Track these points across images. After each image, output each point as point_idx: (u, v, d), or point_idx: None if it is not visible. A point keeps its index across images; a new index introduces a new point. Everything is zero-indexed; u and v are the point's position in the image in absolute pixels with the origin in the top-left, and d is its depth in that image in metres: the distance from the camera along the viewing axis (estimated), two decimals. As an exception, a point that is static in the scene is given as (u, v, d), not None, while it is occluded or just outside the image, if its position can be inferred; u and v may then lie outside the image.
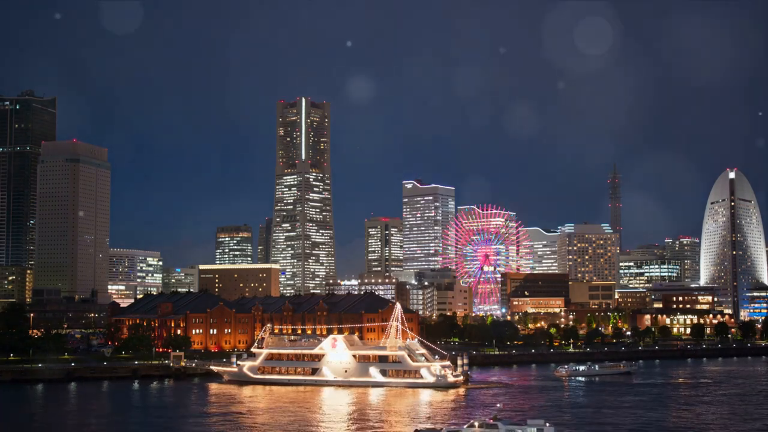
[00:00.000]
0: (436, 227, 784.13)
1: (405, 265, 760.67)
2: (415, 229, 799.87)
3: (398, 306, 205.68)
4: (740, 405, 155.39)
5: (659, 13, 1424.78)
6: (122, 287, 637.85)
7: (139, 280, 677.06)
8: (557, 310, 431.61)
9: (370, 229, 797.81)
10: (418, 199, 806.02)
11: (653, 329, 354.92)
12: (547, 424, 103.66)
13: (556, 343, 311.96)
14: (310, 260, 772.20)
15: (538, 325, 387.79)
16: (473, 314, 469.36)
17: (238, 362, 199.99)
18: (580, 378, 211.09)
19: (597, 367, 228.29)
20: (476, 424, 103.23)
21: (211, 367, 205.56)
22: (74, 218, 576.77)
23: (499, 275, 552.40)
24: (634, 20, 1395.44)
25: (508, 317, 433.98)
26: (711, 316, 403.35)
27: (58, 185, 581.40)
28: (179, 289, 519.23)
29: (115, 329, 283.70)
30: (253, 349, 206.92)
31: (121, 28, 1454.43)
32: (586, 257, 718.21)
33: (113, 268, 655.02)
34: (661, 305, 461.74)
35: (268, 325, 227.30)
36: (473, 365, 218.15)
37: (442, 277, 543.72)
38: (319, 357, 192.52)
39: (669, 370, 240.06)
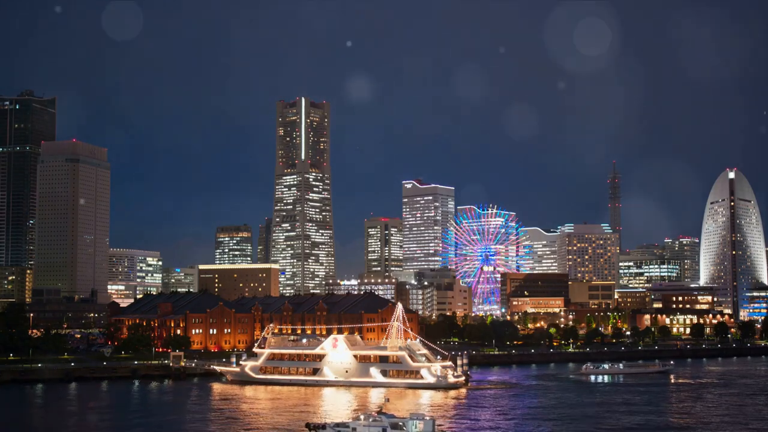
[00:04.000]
0: (435, 227, 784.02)
1: (405, 265, 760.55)
2: (415, 229, 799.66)
3: (399, 306, 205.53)
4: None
5: (659, 12, 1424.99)
6: (122, 287, 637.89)
7: (138, 280, 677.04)
8: (557, 310, 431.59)
9: (369, 229, 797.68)
10: (418, 199, 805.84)
11: (653, 329, 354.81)
12: (427, 417, 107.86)
13: (556, 343, 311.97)
14: (309, 260, 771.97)
15: (538, 325, 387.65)
16: (473, 314, 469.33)
17: (241, 362, 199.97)
18: (603, 377, 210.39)
19: (621, 365, 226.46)
20: (362, 417, 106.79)
21: (214, 367, 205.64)
22: (74, 218, 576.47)
23: (498, 275, 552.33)
24: (633, 20, 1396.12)
25: (508, 317, 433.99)
26: (711, 316, 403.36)
27: (58, 185, 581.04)
28: (179, 289, 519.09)
29: (114, 329, 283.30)
30: (255, 349, 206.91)
31: (121, 29, 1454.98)
32: (586, 257, 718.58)
33: (113, 268, 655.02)
34: (660, 305, 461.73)
35: (271, 324, 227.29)
36: (473, 365, 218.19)
37: (442, 277, 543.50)
38: (320, 357, 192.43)
39: (696, 369, 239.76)
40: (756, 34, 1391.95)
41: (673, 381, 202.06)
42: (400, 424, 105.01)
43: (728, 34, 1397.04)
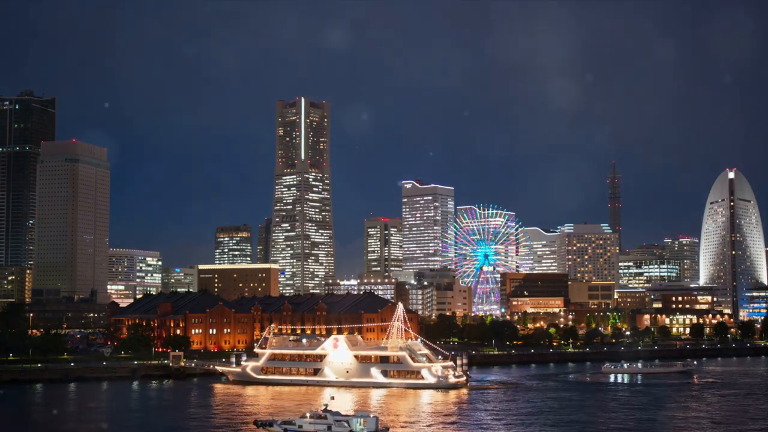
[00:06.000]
0: (435, 227, 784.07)
1: (404, 265, 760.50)
2: (415, 229, 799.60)
3: (400, 306, 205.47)
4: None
5: (659, 13, 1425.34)
6: (122, 287, 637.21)
7: (138, 280, 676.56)
8: (557, 310, 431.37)
9: (369, 229, 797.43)
10: (418, 199, 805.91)
11: (653, 329, 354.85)
12: (371, 415, 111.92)
13: (556, 343, 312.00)
14: (309, 260, 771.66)
15: (538, 325, 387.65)
16: (472, 314, 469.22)
17: (242, 362, 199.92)
18: (623, 377, 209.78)
19: (639, 365, 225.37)
20: (308, 414, 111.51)
21: (216, 367, 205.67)
22: (74, 218, 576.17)
23: (498, 275, 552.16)
24: (634, 19, 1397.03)
25: (508, 317, 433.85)
26: (710, 316, 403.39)
27: (58, 185, 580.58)
28: (179, 289, 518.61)
29: (114, 329, 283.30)
30: (256, 350, 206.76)
31: (121, 28, 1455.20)
32: (586, 257, 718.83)
33: (113, 267, 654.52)
34: (660, 305, 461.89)
35: (272, 325, 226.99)
36: (473, 365, 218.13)
37: (442, 277, 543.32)
38: (321, 357, 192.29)
39: (718, 369, 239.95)
40: (757, 34, 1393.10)
41: (696, 381, 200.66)
42: (345, 421, 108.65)
43: (730, 34, 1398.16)
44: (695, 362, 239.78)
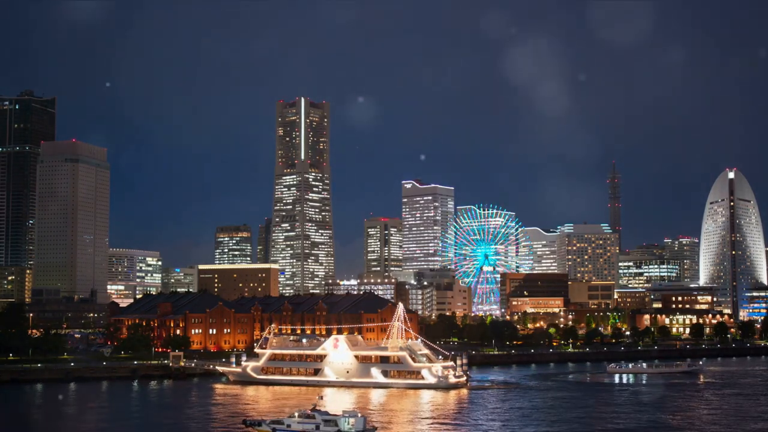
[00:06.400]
0: (435, 227, 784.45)
1: (404, 265, 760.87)
2: (415, 229, 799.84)
3: (401, 306, 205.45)
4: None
5: (659, 13, 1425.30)
6: (121, 287, 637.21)
7: (138, 280, 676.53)
8: (556, 310, 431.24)
9: (369, 229, 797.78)
10: (418, 199, 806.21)
11: (652, 329, 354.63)
12: (359, 415, 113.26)
13: (555, 343, 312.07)
14: (309, 260, 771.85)
15: (538, 325, 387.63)
16: (472, 314, 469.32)
17: (242, 362, 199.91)
18: (625, 377, 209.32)
19: (645, 364, 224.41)
20: (296, 414, 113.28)
21: (217, 367, 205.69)
22: (74, 218, 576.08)
23: (498, 275, 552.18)
24: (637, 19, 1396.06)
25: (508, 317, 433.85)
26: (710, 316, 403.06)
27: (58, 185, 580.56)
28: (178, 289, 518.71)
29: (114, 329, 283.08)
30: (256, 350, 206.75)
31: (121, 28, 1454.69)
32: (586, 257, 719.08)
33: (112, 268, 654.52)
34: (660, 305, 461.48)
35: (272, 325, 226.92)
36: (473, 365, 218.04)
37: (442, 277, 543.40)
38: (321, 357, 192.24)
39: (723, 369, 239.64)
40: (757, 34, 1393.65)
41: (702, 381, 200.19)
42: (333, 421, 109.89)
43: (733, 34, 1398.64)
44: (700, 362, 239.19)
